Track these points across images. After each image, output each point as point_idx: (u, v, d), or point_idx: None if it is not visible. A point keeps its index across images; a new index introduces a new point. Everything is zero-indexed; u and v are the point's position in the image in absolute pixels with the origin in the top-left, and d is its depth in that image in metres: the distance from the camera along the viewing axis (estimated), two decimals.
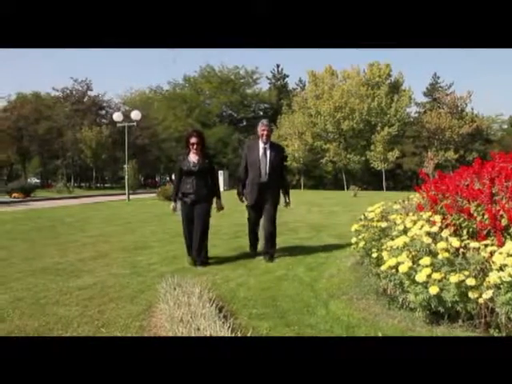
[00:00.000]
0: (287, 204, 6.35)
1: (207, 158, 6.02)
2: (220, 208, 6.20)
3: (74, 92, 52.85)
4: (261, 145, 6.09)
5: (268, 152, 6.05)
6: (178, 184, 5.98)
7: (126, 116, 26.90)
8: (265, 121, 6.31)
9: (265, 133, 6.06)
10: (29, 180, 45.38)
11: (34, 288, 4.73)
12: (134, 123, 25.32)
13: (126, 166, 25.51)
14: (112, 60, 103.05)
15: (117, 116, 25.63)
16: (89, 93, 53.53)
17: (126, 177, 24.55)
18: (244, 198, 6.23)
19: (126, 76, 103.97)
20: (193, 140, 5.87)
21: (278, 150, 6.25)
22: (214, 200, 6.11)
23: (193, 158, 5.89)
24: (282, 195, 6.28)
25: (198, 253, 5.82)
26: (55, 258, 6.38)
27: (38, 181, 55.79)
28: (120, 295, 4.43)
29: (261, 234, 6.37)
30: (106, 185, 58.99)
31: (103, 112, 54.84)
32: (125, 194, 23.59)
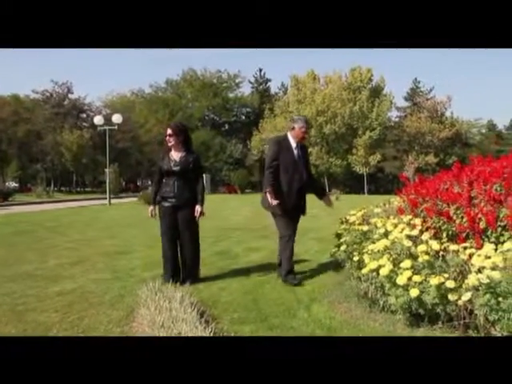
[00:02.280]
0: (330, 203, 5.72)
1: (192, 155, 5.14)
2: (200, 214, 5.11)
3: (54, 95, 52.31)
4: (293, 144, 5.20)
5: (301, 152, 5.27)
6: (158, 185, 5.19)
7: (107, 119, 26.74)
8: (306, 119, 5.47)
9: (305, 135, 5.29)
10: (7, 184, 44.66)
11: (12, 294, 4.64)
12: (115, 126, 25.16)
13: (107, 169, 25.32)
14: (95, 62, 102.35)
15: (98, 119, 25.46)
16: (69, 96, 53.06)
17: (107, 181, 24.38)
18: (275, 207, 5.05)
19: (108, 79, 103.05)
20: (168, 131, 5.08)
21: (306, 150, 5.59)
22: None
23: (175, 155, 5.08)
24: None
25: (194, 271, 5.09)
26: (34, 264, 6.28)
27: (16, 185, 54.94)
28: (101, 301, 4.38)
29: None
30: (86, 189, 58.38)
31: (84, 115, 54.30)
32: (106, 198, 23.40)
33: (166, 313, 3.35)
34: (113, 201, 23.75)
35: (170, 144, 5.08)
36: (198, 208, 5.06)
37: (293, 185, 5.09)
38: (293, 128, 5.24)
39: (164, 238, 5.12)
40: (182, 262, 5.12)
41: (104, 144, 27.06)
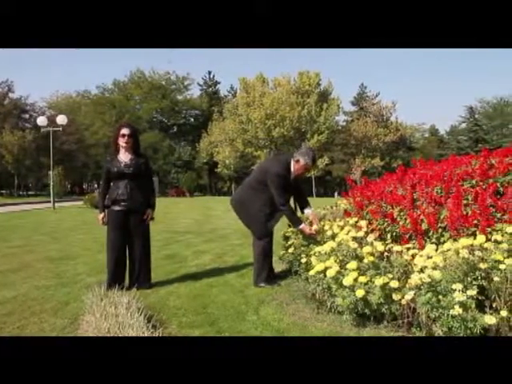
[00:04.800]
0: None
1: (142, 157, 4.95)
2: (151, 219, 4.98)
3: None
4: (292, 174, 4.98)
5: (294, 182, 5.05)
6: (106, 190, 4.90)
7: (51, 120, 25.83)
8: (315, 157, 5.07)
9: (305, 173, 5.17)
10: None
11: None
12: (60, 128, 24.39)
13: (51, 172, 24.55)
14: (37, 62, 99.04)
15: (41, 120, 24.56)
16: (10, 95, 51.06)
17: (52, 184, 23.61)
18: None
19: (51, 78, 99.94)
20: (124, 131, 4.80)
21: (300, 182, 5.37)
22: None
23: (124, 157, 4.83)
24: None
25: (145, 277, 4.91)
26: None
27: None
28: (43, 308, 4.21)
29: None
30: (29, 192, 56.34)
31: (26, 116, 52.41)
32: (50, 201, 22.63)
33: (112, 319, 3.27)
34: (57, 204, 23.01)
35: (126, 145, 4.81)
36: (149, 212, 4.91)
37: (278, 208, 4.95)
38: (297, 160, 4.90)
39: (111, 243, 4.85)
40: (132, 267, 4.91)
41: (48, 146, 26.11)
